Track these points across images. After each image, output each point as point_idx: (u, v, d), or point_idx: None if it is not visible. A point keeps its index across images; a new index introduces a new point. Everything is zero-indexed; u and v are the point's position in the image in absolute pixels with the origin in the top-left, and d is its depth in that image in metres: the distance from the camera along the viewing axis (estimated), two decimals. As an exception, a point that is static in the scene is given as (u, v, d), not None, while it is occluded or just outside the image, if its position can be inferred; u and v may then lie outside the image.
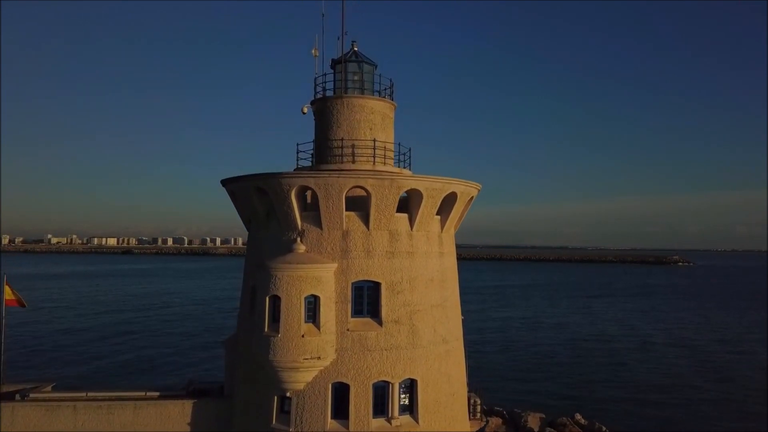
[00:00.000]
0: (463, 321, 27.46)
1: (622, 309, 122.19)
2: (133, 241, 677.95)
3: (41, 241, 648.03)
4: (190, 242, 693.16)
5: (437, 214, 25.32)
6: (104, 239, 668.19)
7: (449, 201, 25.23)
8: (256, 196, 24.45)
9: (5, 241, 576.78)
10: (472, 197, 26.87)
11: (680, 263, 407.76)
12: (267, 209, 24.69)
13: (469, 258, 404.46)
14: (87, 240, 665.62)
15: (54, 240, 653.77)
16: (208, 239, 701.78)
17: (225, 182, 26.17)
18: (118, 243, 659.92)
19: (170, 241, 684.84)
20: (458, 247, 28.64)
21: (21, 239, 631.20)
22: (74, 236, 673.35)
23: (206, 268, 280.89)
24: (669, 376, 61.61)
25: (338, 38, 27.92)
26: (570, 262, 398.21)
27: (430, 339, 24.19)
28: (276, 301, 22.50)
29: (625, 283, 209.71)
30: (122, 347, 65.80)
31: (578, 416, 43.00)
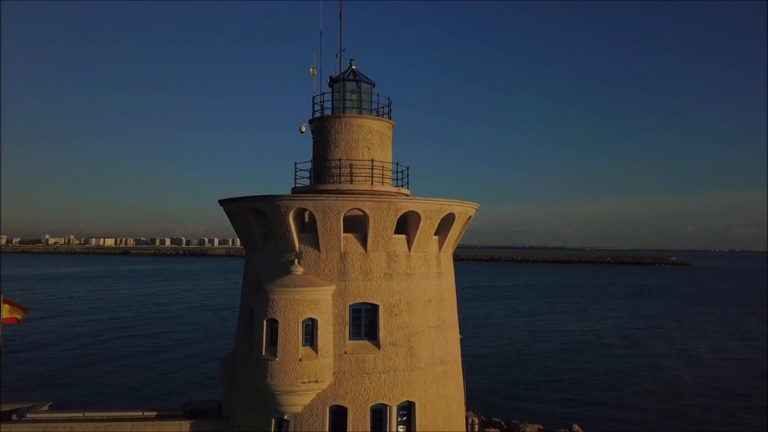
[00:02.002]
0: (462, 340, 27.43)
1: (621, 312, 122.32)
2: (131, 242, 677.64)
3: (39, 241, 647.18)
4: (188, 243, 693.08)
5: (435, 234, 25.28)
6: (102, 240, 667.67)
7: (447, 221, 25.19)
8: (254, 217, 24.40)
9: (2, 241, 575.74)
10: (470, 217, 26.85)
11: (678, 264, 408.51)
12: (265, 230, 24.64)
13: (466, 259, 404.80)
14: (84, 240, 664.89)
15: (51, 240, 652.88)
16: (206, 239, 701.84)
17: (222, 203, 26.11)
18: (115, 243, 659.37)
19: (168, 242, 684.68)
20: (455, 247, 28.43)
21: (18, 239, 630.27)
22: (72, 236, 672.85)
23: (204, 269, 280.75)
24: (668, 382, 61.72)
25: (336, 55, 27.91)
26: (568, 264, 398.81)
27: (428, 361, 24.16)
28: (273, 324, 22.43)
29: (623, 285, 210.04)
30: (119, 359, 64.94)
31: (576, 427, 43.00)
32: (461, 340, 27.41)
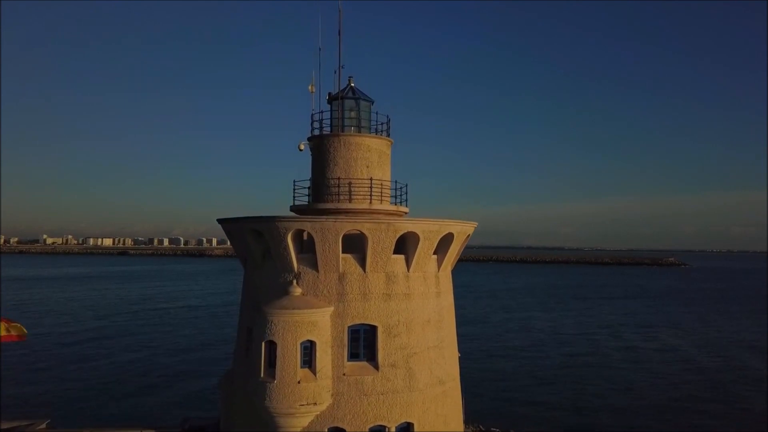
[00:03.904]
0: (460, 358, 27.39)
1: (619, 315, 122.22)
2: (129, 242, 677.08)
3: (37, 241, 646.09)
4: (186, 243, 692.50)
5: (434, 253, 25.24)
6: (100, 240, 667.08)
7: (446, 241, 25.17)
8: (253, 237, 24.35)
9: (0, 241, 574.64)
10: (469, 235, 26.83)
11: (676, 265, 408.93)
12: (263, 250, 24.58)
13: (464, 259, 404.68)
14: (83, 240, 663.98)
15: (49, 240, 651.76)
16: (204, 239, 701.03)
17: (221, 222, 26.08)
18: (113, 243, 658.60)
19: (166, 242, 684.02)
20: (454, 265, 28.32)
21: (16, 239, 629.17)
22: (70, 236, 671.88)
23: (202, 270, 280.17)
24: (668, 386, 61.87)
25: (335, 71, 27.90)
26: (566, 264, 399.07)
27: (426, 381, 24.12)
28: (272, 346, 22.38)
29: (622, 286, 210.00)
30: (117, 371, 63.63)
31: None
32: (459, 358, 27.36)
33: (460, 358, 27.39)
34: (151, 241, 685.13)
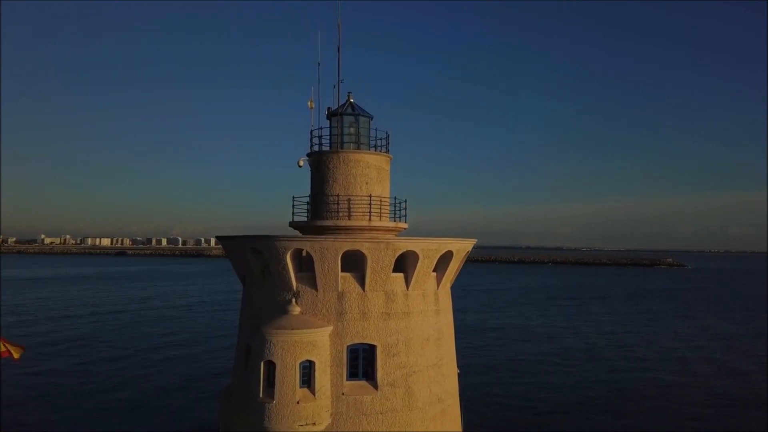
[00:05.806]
0: (459, 375, 27.35)
1: (619, 317, 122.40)
2: (127, 242, 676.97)
3: (34, 241, 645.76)
4: (184, 243, 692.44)
5: (433, 270, 25.21)
6: (98, 239, 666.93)
7: (445, 258, 25.14)
8: (252, 255, 24.31)
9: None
10: (468, 252, 26.81)
11: (674, 266, 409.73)
12: (262, 268, 24.54)
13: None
14: (80, 240, 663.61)
15: (47, 240, 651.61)
16: (203, 239, 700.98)
17: (220, 239, 26.06)
18: (111, 243, 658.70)
19: (164, 242, 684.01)
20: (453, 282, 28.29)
21: (14, 239, 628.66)
22: (68, 236, 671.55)
23: (201, 271, 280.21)
24: (668, 387, 62.13)
25: (334, 86, 27.87)
26: (565, 265, 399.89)
27: (425, 400, 24.09)
28: (271, 366, 22.34)
29: (620, 287, 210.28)
30: (114, 382, 62.50)
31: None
32: (459, 375, 27.32)
33: (459, 374, 27.35)
34: (149, 241, 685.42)
